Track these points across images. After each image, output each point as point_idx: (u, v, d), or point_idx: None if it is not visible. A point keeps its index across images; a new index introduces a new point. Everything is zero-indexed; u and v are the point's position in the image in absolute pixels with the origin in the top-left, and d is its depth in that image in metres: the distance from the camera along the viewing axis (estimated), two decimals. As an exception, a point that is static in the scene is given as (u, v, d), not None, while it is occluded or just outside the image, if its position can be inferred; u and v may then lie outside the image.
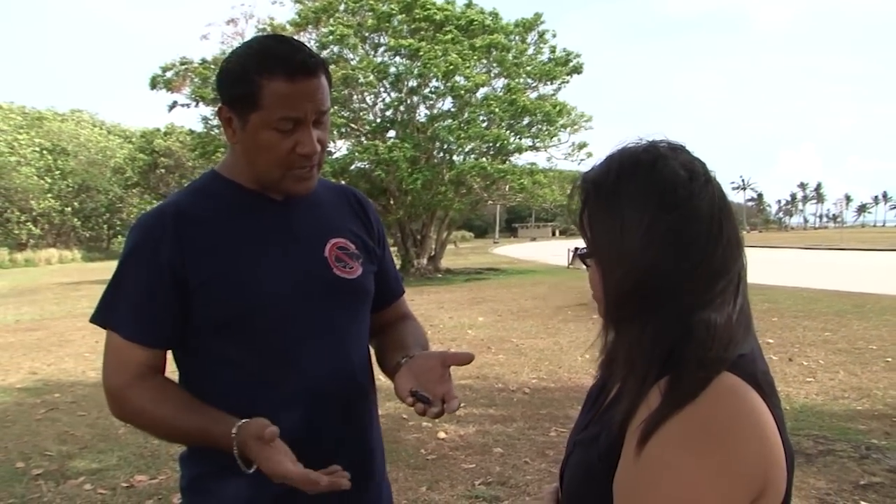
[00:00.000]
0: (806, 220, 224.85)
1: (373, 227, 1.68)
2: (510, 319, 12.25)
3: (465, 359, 1.46)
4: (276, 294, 1.43)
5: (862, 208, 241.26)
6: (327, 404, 1.45)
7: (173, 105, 25.39)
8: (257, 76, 1.35)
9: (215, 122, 26.06)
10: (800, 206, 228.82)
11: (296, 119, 1.37)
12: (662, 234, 0.94)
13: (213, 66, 24.36)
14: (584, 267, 1.09)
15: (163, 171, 49.35)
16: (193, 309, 1.39)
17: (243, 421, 1.31)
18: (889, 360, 7.86)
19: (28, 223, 48.88)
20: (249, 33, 26.58)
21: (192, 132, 28.39)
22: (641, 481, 0.88)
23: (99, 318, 1.44)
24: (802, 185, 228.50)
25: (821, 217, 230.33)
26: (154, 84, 24.68)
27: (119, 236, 52.34)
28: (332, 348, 1.49)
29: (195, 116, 65.71)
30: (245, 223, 1.47)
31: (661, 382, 0.90)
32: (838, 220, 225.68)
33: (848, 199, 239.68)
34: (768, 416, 0.90)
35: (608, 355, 1.09)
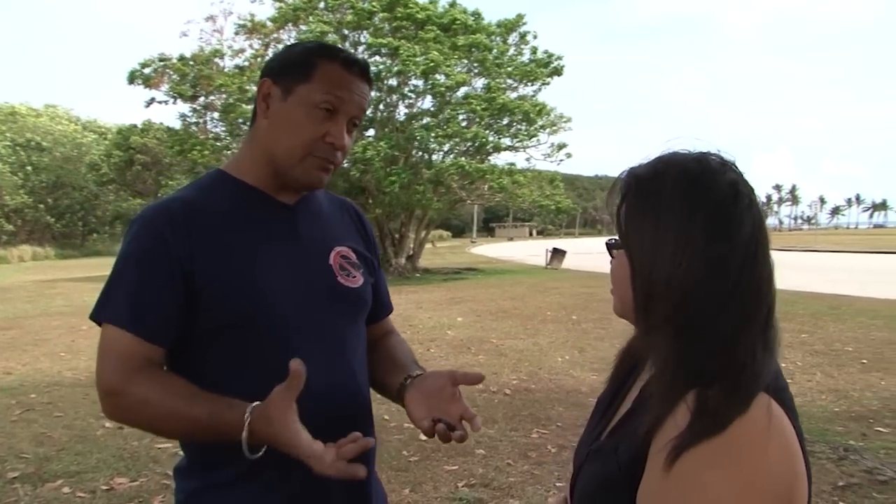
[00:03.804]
0: (781, 222, 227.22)
1: (370, 240, 1.68)
2: (489, 320, 12.28)
3: (476, 379, 1.43)
4: (282, 299, 1.40)
5: (836, 210, 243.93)
6: (330, 412, 1.40)
7: (151, 101, 25.20)
8: (316, 57, 1.42)
9: (193, 119, 25.92)
10: (775, 207, 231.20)
11: (338, 103, 1.41)
12: (699, 250, 0.94)
13: (191, 63, 24.22)
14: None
15: (139, 167, 48.91)
16: (196, 309, 1.35)
17: (257, 403, 1.25)
18: (864, 361, 7.98)
19: (0, 219, 48.21)
20: (228, 30, 26.48)
21: (169, 129, 28.18)
22: (669, 497, 0.88)
23: (99, 314, 1.37)
24: (777, 188, 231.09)
25: (795, 219, 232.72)
26: (132, 79, 24.48)
27: (94, 233, 51.90)
28: (334, 356, 1.46)
29: (172, 113, 65.27)
30: (252, 225, 1.44)
31: (688, 397, 0.90)
32: (812, 222, 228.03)
33: (822, 201, 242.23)
34: (792, 431, 0.91)
35: (631, 354, 1.09)
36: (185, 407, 1.30)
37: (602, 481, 1.03)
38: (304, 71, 1.40)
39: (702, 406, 0.88)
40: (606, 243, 1.10)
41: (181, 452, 1.49)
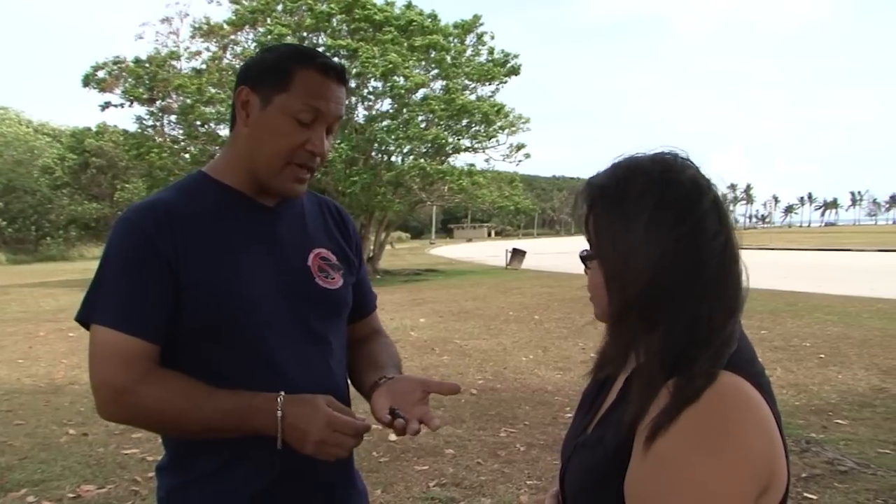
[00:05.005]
0: (736, 221, 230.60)
1: (352, 239, 1.69)
2: (452, 320, 12.31)
3: (451, 389, 1.47)
4: (261, 301, 1.42)
5: (789, 209, 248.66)
6: None
7: (106, 105, 24.83)
8: (293, 63, 1.41)
9: (149, 122, 25.59)
10: (730, 206, 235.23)
11: (316, 112, 1.41)
12: (671, 246, 0.97)
13: (147, 66, 23.91)
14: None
15: (94, 171, 48.15)
16: (179, 309, 1.36)
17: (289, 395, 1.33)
18: (822, 356, 8.16)
19: (-50, 224, 46.98)
20: (185, 32, 26.18)
21: (126, 132, 27.80)
22: (654, 481, 0.91)
23: (89, 315, 1.37)
24: (732, 187, 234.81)
25: (750, 218, 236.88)
26: (86, 83, 24.11)
27: (48, 238, 50.72)
28: (313, 358, 1.48)
29: (128, 116, 64.19)
30: (233, 227, 1.45)
31: (669, 383, 0.93)
32: (767, 220, 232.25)
33: (776, 200, 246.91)
34: (769, 413, 0.94)
35: (608, 355, 1.13)
36: (208, 400, 1.33)
37: (590, 471, 1.06)
38: (282, 79, 1.40)
39: (679, 386, 0.92)
40: (580, 255, 1.13)
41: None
